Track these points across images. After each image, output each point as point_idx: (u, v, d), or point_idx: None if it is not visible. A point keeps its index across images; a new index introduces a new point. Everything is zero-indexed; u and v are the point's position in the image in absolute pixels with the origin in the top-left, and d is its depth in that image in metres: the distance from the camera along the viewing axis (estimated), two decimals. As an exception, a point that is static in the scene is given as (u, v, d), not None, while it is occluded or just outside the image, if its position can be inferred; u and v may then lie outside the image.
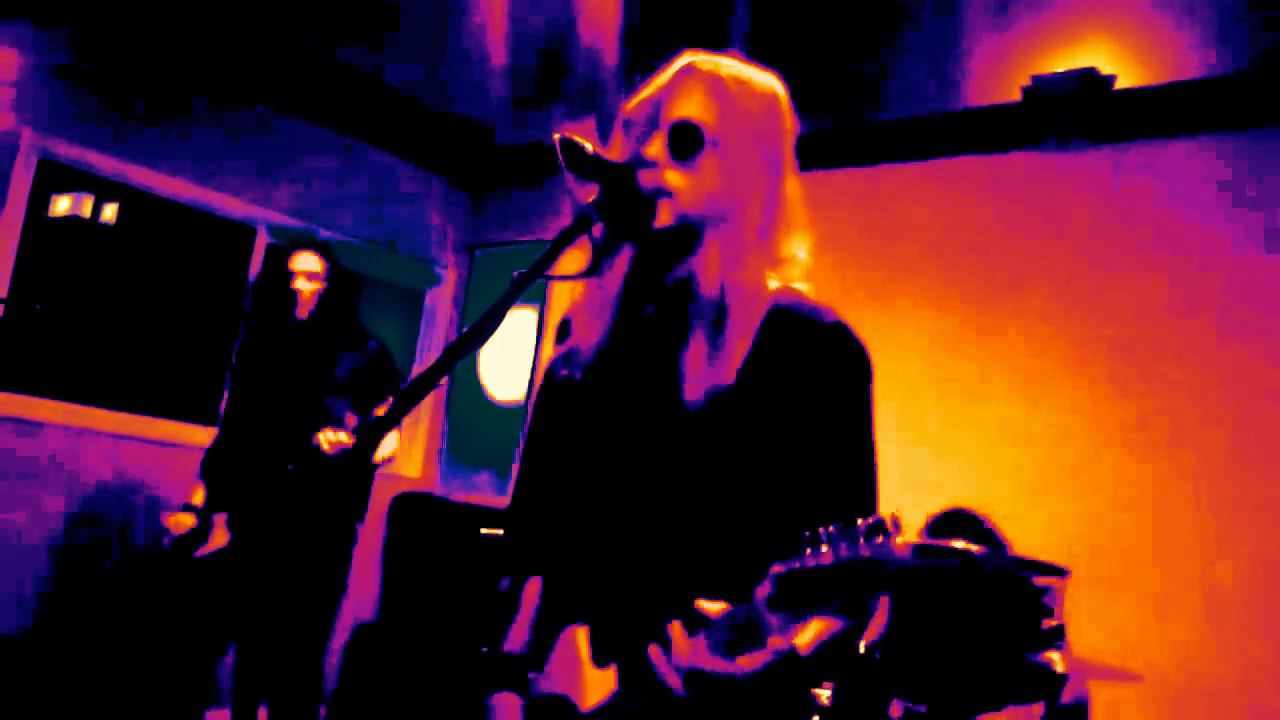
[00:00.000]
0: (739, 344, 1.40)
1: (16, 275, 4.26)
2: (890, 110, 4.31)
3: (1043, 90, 3.85)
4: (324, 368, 3.51)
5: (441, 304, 5.82)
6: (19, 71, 4.21)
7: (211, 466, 3.53)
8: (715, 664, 1.27)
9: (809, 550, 1.21)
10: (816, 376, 1.41)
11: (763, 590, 1.20)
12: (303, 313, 3.48)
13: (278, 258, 3.55)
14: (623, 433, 1.50)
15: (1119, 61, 3.70)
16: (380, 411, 3.49)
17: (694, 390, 1.40)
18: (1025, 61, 3.82)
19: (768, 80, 1.54)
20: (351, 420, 3.48)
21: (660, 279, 1.50)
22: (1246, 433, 3.38)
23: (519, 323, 5.48)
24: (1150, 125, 3.79)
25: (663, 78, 1.52)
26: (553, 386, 1.62)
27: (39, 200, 4.45)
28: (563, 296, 5.27)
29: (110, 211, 4.78)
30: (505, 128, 5.29)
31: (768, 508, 1.42)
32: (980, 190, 4.13)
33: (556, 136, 1.35)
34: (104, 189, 4.61)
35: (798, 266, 1.51)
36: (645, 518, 1.47)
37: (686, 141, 1.45)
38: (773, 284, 1.48)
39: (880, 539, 1.14)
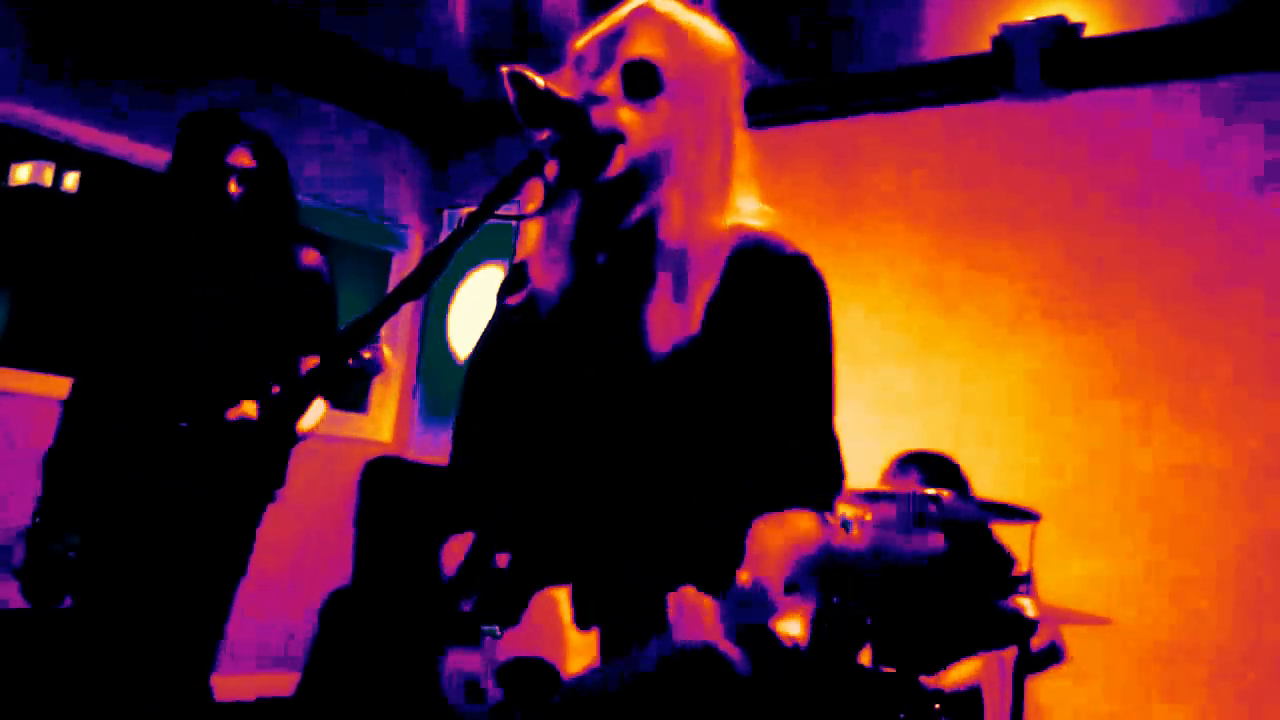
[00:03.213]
0: (702, 291, 1.38)
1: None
2: (859, 62, 4.26)
3: (1012, 39, 3.82)
4: (249, 293, 2.75)
5: (409, 266, 5.75)
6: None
7: (78, 424, 2.74)
8: (729, 648, 1.26)
9: (838, 527, 1.20)
10: (780, 313, 1.39)
11: (780, 571, 1.22)
12: (233, 221, 2.74)
13: (200, 142, 2.74)
14: (587, 386, 1.46)
15: (1088, 9, 3.67)
16: (308, 363, 2.82)
17: (660, 342, 1.37)
18: (994, 10, 3.78)
19: (721, 33, 1.52)
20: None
21: (617, 224, 1.47)
22: (1217, 376, 3.39)
23: (488, 281, 5.42)
24: (1120, 73, 3.77)
25: (618, 14, 1.48)
26: (506, 332, 1.59)
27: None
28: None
29: (71, 180, 4.68)
30: (471, 85, 5.20)
31: (737, 453, 1.39)
32: (950, 141, 4.10)
33: (505, 70, 1.31)
34: (60, 153, 4.51)
35: (750, 214, 1.48)
36: (616, 472, 1.43)
37: (643, 80, 1.42)
38: (729, 222, 1.44)
39: (922, 533, 1.12)
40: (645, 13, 1.47)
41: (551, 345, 1.50)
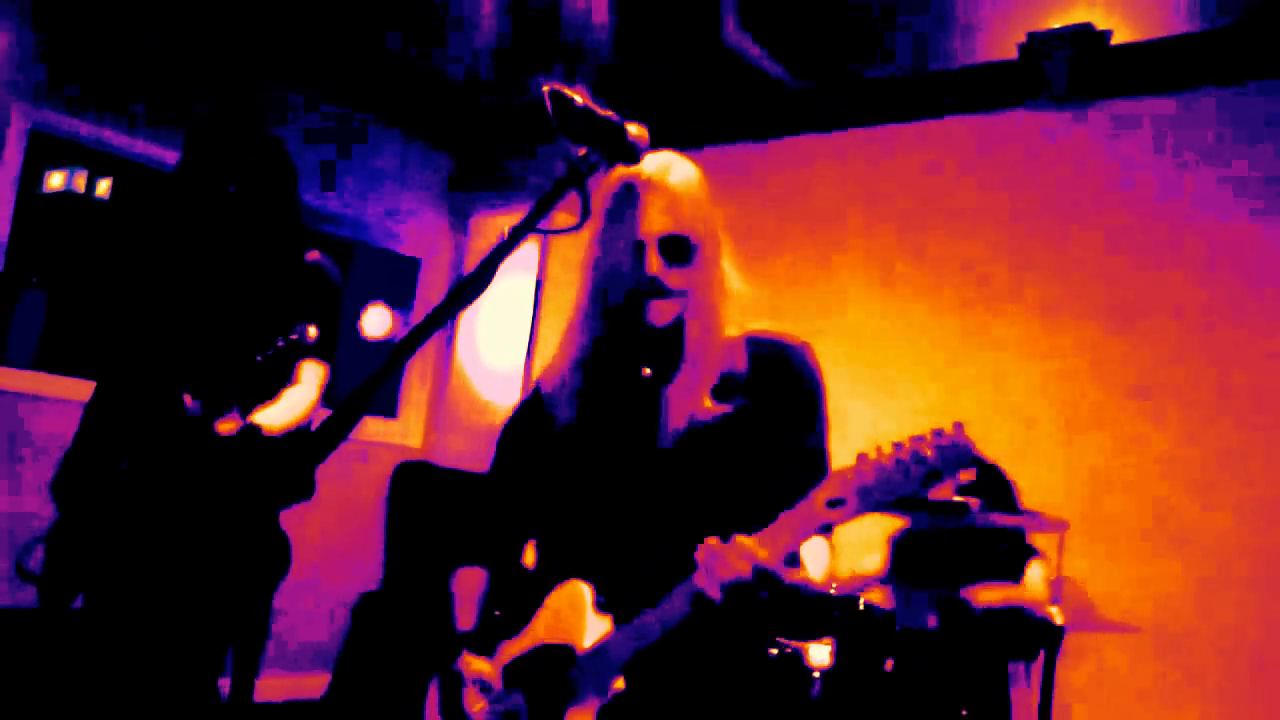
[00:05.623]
0: (710, 382, 1.70)
1: (10, 251, 4.23)
2: (883, 69, 4.27)
3: (1039, 47, 3.82)
4: (248, 288, 2.73)
5: (438, 272, 5.81)
6: (7, 43, 4.17)
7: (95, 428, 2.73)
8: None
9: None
10: (786, 399, 1.74)
11: (824, 494, 1.46)
12: (231, 219, 2.72)
13: (202, 143, 2.72)
14: (616, 460, 1.77)
15: (1115, 16, 3.67)
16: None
17: (676, 423, 1.69)
18: (1021, 18, 3.79)
19: (695, 171, 1.80)
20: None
21: (645, 327, 1.73)
22: (1239, 383, 3.39)
23: (515, 290, 5.46)
24: (1147, 81, 3.77)
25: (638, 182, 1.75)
26: (541, 406, 1.94)
27: (32, 174, 4.42)
28: (559, 260, 5.26)
29: (104, 186, 4.76)
30: (498, 92, 5.25)
31: (745, 502, 1.66)
32: (976, 149, 4.11)
33: (546, 89, 1.35)
34: (96, 160, 4.59)
35: (749, 310, 1.80)
36: (639, 528, 1.73)
37: (678, 252, 1.71)
38: (745, 327, 1.77)
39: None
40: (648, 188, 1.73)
41: (583, 430, 1.83)
